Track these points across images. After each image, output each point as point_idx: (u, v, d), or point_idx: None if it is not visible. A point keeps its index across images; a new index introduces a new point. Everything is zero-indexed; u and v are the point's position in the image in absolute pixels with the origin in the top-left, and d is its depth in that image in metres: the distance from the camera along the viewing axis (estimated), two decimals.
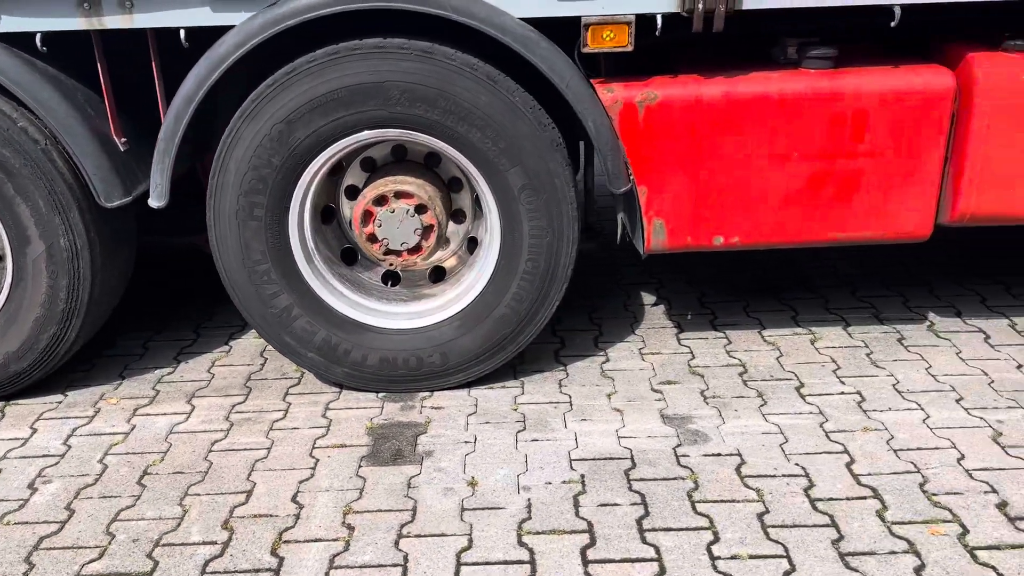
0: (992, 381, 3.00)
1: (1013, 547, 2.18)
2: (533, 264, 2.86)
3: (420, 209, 2.86)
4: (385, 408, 2.98)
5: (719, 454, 2.65)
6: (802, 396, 2.96)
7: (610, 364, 3.25)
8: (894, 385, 3.00)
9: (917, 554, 2.17)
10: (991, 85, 2.72)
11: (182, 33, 2.61)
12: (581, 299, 3.83)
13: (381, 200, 2.86)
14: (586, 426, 2.83)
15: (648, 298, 3.86)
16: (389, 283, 3.18)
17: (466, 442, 2.75)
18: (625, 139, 2.77)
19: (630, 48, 2.62)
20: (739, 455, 2.63)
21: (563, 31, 2.70)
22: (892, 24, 2.60)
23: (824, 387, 3.02)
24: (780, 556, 2.18)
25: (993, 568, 2.11)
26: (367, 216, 2.88)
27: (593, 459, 2.64)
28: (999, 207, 2.86)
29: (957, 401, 2.88)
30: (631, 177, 2.83)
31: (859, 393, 2.96)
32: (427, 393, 3.05)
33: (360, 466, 2.64)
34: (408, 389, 3.04)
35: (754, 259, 4.16)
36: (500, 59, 2.70)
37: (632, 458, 2.64)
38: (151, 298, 3.91)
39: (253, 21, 2.59)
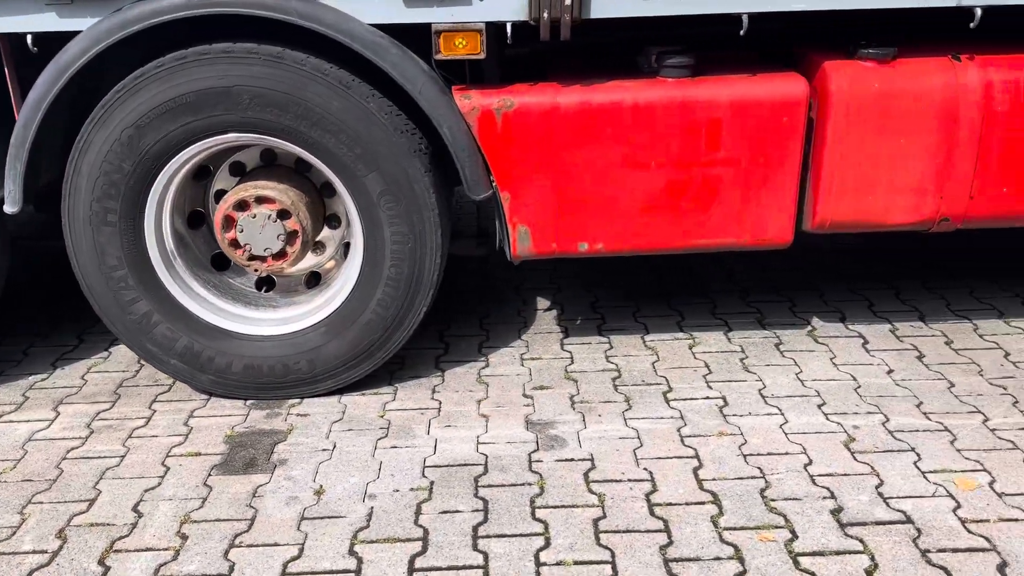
0: (859, 386, 3.03)
1: (837, 553, 2.20)
2: (397, 270, 2.85)
3: (283, 214, 2.84)
4: (250, 416, 2.95)
5: (572, 459, 2.65)
6: (667, 401, 2.97)
7: (488, 370, 3.25)
8: (760, 390, 3.02)
9: (741, 560, 2.18)
10: (844, 93, 2.74)
11: (29, 38, 2.58)
12: (475, 304, 3.83)
13: (243, 205, 2.83)
14: (449, 432, 2.82)
15: (543, 303, 3.86)
16: (264, 289, 3.17)
17: (324, 450, 2.74)
18: (485, 146, 2.77)
19: (482, 56, 2.63)
20: (591, 460, 2.64)
21: (426, 39, 2.70)
22: (741, 32, 2.62)
23: (691, 392, 3.03)
24: (605, 562, 2.19)
25: (812, 574, 2.13)
26: (229, 221, 2.85)
27: (447, 466, 2.63)
28: (858, 214, 2.89)
29: (819, 407, 2.90)
30: (493, 184, 2.83)
31: (724, 398, 2.98)
32: (297, 400, 3.04)
33: (210, 475, 2.62)
34: (276, 396, 3.02)
35: (652, 264, 4.18)
36: (366, 67, 2.70)
37: (486, 464, 2.63)
38: (36, 301, 3.86)
39: (99, 26, 2.56)
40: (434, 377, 3.19)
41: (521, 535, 2.30)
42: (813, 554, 2.20)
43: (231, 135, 2.70)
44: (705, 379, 3.12)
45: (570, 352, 3.37)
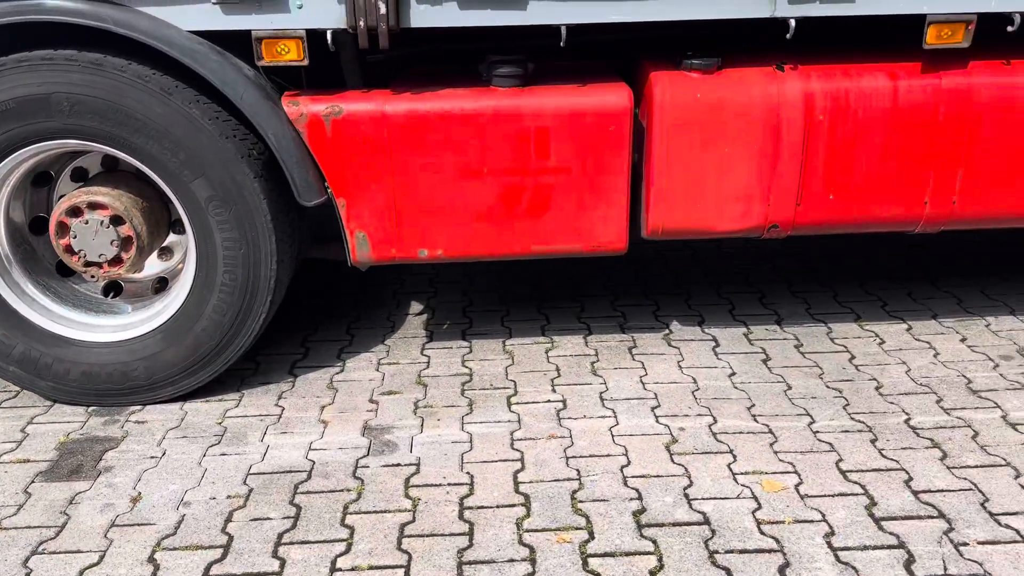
0: (697, 389, 3.08)
1: (627, 554, 2.24)
2: (231, 276, 2.85)
3: (116, 220, 2.83)
4: (88, 423, 2.94)
5: (398, 464, 2.67)
6: (509, 405, 3.00)
7: (342, 375, 3.27)
8: (601, 393, 3.07)
9: (533, 562, 2.22)
10: (668, 103, 2.79)
11: None
12: (348, 308, 3.84)
13: (75, 211, 2.82)
14: (283, 439, 2.83)
15: (416, 307, 3.89)
16: (111, 295, 3.15)
17: (152, 457, 2.73)
18: (316, 152, 2.78)
19: (305, 63, 2.64)
20: (417, 465, 2.66)
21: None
22: (561, 44, 2.66)
23: (535, 395, 3.07)
24: (400, 566, 2.21)
25: (598, 575, 2.17)
26: (63, 228, 2.84)
27: (271, 472, 2.64)
28: (689, 221, 2.94)
29: (653, 409, 2.95)
30: (328, 190, 2.85)
31: (564, 401, 3.02)
32: (140, 407, 3.03)
33: (33, 481, 2.60)
34: (118, 403, 3.00)
35: (528, 269, 4.22)
36: (195, 74, 2.70)
37: (310, 471, 2.64)
38: None
39: None
40: (284, 383, 3.20)
41: (324, 541, 2.32)
42: (604, 555, 2.24)
43: (55, 141, 2.69)
44: (552, 382, 3.16)
45: (428, 356, 3.40)
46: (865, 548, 2.24)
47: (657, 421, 2.88)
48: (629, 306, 3.80)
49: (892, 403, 2.97)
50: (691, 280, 4.07)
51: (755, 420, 2.87)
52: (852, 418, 2.87)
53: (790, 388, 3.08)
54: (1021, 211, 2.98)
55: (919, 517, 2.36)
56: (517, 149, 2.80)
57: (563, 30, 2.64)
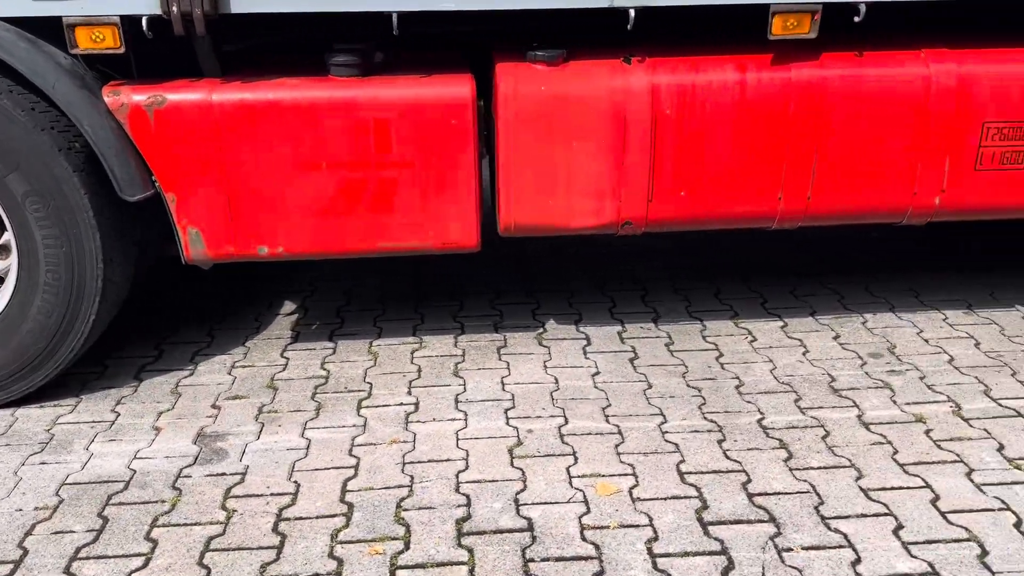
0: (557, 389, 3.00)
1: (439, 565, 2.14)
2: (54, 276, 2.70)
3: None
4: None
5: (223, 474, 2.54)
6: (359, 409, 2.89)
7: (191, 379, 3.13)
8: (458, 395, 2.97)
9: (339, 575, 2.12)
10: (512, 96, 2.70)
11: None
12: (216, 309, 3.70)
13: None
14: (109, 447, 2.68)
15: (288, 307, 3.76)
16: None
17: None
18: (140, 145, 2.65)
19: (121, 50, 2.51)
20: (243, 474, 2.53)
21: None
22: (395, 32, 2.55)
23: (388, 398, 2.96)
24: None
25: None
26: None
27: (87, 483, 2.50)
28: (541, 217, 2.86)
29: (506, 411, 2.86)
30: (157, 184, 2.72)
31: (417, 404, 2.91)
32: None
33: None
34: None
35: (409, 267, 4.11)
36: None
37: (129, 481, 2.51)
38: None
39: None
40: (127, 387, 3.05)
41: (123, 556, 2.18)
42: (415, 567, 2.13)
43: None
44: (410, 384, 3.05)
45: (288, 359, 3.27)
46: (686, 554, 2.17)
47: (507, 423, 2.78)
48: (508, 304, 3.71)
49: (749, 402, 2.91)
50: (576, 277, 3.99)
51: (607, 421, 2.79)
52: (705, 418, 2.81)
53: (650, 387, 3.01)
54: (876, 206, 2.94)
55: (748, 521, 2.29)
56: (356, 142, 2.69)
57: (394, 18, 2.53)
